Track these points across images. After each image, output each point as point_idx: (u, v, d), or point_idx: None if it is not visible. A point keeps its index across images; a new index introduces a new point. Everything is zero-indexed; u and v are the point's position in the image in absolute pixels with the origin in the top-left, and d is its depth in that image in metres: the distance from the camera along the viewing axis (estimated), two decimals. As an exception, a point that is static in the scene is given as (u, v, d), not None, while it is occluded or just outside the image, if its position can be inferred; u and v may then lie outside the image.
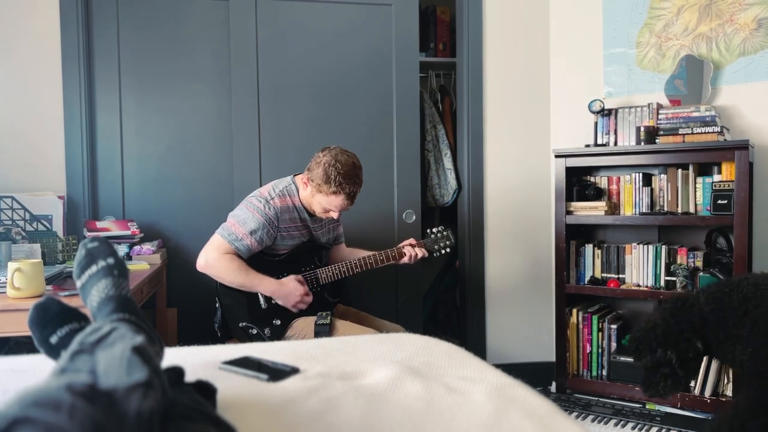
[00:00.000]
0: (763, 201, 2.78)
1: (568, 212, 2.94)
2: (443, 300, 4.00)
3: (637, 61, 3.08)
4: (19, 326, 1.89)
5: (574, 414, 2.77)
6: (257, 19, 3.04)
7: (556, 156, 2.96)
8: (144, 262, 2.61)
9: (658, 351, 2.06)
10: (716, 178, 2.71)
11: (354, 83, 3.16)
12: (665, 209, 2.84)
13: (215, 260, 2.24)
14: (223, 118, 3.06)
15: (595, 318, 2.95)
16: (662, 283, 2.81)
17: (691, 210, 2.78)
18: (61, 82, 2.88)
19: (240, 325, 2.31)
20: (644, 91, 3.06)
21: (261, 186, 2.53)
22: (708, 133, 2.70)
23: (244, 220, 2.26)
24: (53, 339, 1.17)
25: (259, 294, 2.31)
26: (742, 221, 2.54)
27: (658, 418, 2.66)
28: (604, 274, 2.97)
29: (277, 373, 1.26)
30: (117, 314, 1.11)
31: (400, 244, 2.47)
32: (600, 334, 2.94)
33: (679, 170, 2.80)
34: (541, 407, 1.08)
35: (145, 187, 3.00)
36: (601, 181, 3.02)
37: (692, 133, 2.74)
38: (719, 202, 2.61)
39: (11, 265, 1.96)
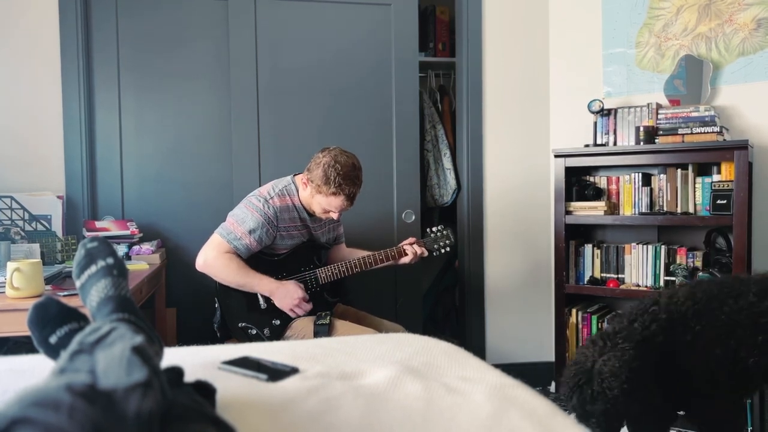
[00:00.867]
0: (763, 201, 2.79)
1: (568, 212, 2.94)
2: (443, 300, 4.00)
3: (636, 61, 3.09)
4: (19, 326, 1.89)
5: (574, 414, 2.77)
6: (256, 19, 3.03)
7: (556, 156, 2.96)
8: (143, 262, 2.61)
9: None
10: (716, 178, 2.71)
11: (353, 83, 3.15)
12: (664, 209, 2.84)
13: (214, 259, 2.24)
14: (222, 117, 3.06)
15: (594, 318, 2.95)
16: (662, 283, 2.81)
17: (691, 210, 2.78)
18: (60, 80, 2.87)
19: (239, 325, 2.31)
20: (644, 91, 3.06)
21: (260, 185, 2.53)
22: (707, 133, 2.70)
23: (243, 219, 2.26)
24: (52, 339, 1.17)
25: (259, 294, 2.31)
26: (741, 221, 2.54)
27: (658, 418, 2.66)
28: (604, 274, 2.97)
29: (276, 373, 1.26)
30: (116, 314, 1.11)
31: (400, 244, 2.47)
32: (599, 334, 2.94)
33: (679, 170, 2.80)
34: (540, 407, 1.08)
35: (144, 187, 3.00)
36: (601, 181, 3.02)
37: (691, 133, 2.74)
38: (718, 202, 2.61)
39: (10, 265, 1.95)
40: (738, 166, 2.54)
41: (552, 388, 3.09)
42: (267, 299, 2.31)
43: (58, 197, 2.78)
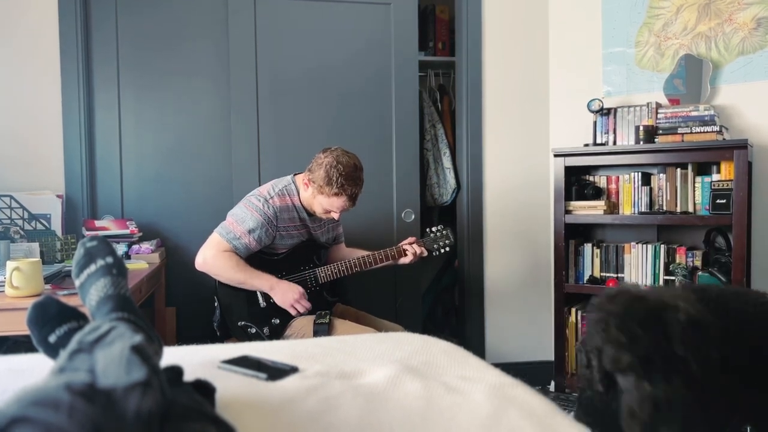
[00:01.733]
0: (762, 200, 2.79)
1: (567, 211, 2.94)
2: (442, 299, 4.01)
3: (636, 61, 3.08)
4: (18, 325, 1.88)
5: (573, 413, 2.77)
6: (256, 17, 3.03)
7: (555, 155, 2.96)
8: (143, 261, 2.61)
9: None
10: (715, 177, 2.71)
11: (353, 82, 3.15)
12: (664, 208, 2.84)
13: (213, 258, 2.24)
14: (222, 116, 3.05)
15: (593, 317, 2.95)
16: (661, 283, 2.81)
17: (690, 209, 2.78)
18: (59, 79, 2.87)
19: (239, 324, 2.31)
20: (643, 90, 3.06)
21: (260, 184, 2.53)
22: (707, 132, 2.70)
23: (243, 218, 2.26)
24: (52, 338, 1.17)
25: (258, 293, 2.31)
26: (740, 220, 2.54)
27: (657, 418, 2.66)
28: (603, 274, 2.97)
29: (276, 372, 1.26)
30: (116, 313, 1.11)
31: (400, 243, 2.47)
32: (599, 333, 2.94)
33: (678, 169, 2.80)
34: (540, 407, 1.08)
35: (143, 186, 3.00)
36: (600, 180, 3.02)
37: (691, 133, 2.74)
38: (718, 201, 2.61)
39: (10, 264, 1.95)
40: (737, 165, 2.54)
41: (551, 387, 3.09)
42: (266, 298, 2.31)
43: (58, 196, 2.78)
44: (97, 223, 2.76)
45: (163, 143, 3.01)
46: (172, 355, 1.34)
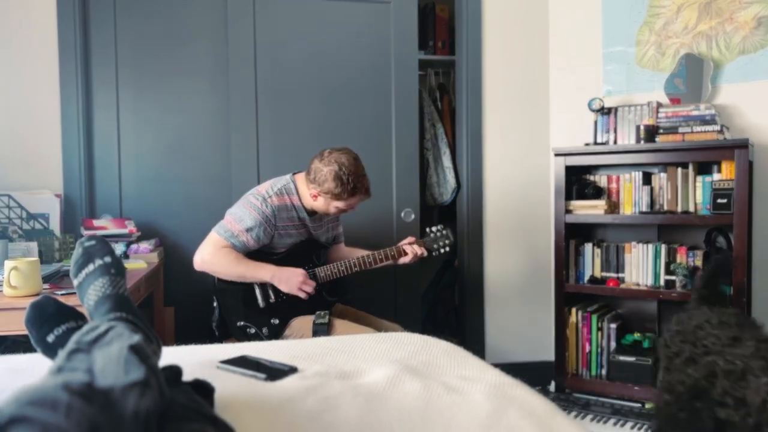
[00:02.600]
0: (763, 200, 2.78)
1: (568, 211, 2.94)
2: (442, 299, 4.00)
3: (636, 60, 3.08)
4: (16, 325, 1.88)
5: (573, 413, 2.77)
6: (255, 17, 3.03)
7: (556, 154, 2.96)
8: (141, 260, 2.60)
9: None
10: (716, 176, 2.71)
11: (352, 81, 3.15)
12: (665, 208, 2.84)
13: (211, 255, 2.24)
14: (221, 115, 3.05)
15: (594, 317, 2.95)
16: (662, 282, 2.80)
17: (691, 209, 2.78)
18: (57, 78, 2.86)
19: (238, 324, 2.31)
20: (644, 89, 3.06)
21: (259, 183, 2.53)
22: (708, 131, 2.70)
23: (241, 217, 2.26)
24: (50, 338, 1.16)
25: (257, 293, 2.31)
26: (741, 220, 2.54)
27: (657, 418, 2.66)
28: (604, 273, 2.97)
29: (275, 372, 1.25)
30: (114, 313, 1.10)
31: (399, 243, 2.47)
32: (599, 333, 2.94)
33: (679, 169, 2.80)
34: (539, 407, 1.08)
35: (142, 186, 2.99)
36: (601, 179, 3.02)
37: (692, 132, 2.73)
38: (719, 200, 2.60)
39: (8, 264, 1.95)
40: (738, 164, 2.54)
41: (551, 387, 3.08)
42: (266, 298, 2.31)
43: (56, 196, 2.77)
44: (96, 223, 2.76)
45: (162, 143, 3.01)
46: (170, 355, 1.33)
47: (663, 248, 2.81)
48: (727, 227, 2.66)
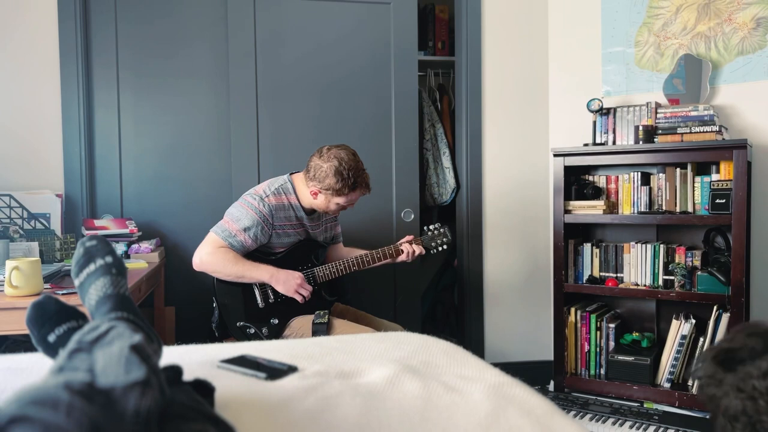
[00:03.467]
0: (762, 200, 2.79)
1: (567, 211, 2.94)
2: (441, 299, 4.01)
3: (635, 60, 3.09)
4: (17, 325, 1.89)
5: (572, 413, 2.78)
6: (255, 17, 3.03)
7: (555, 155, 2.96)
8: (142, 260, 2.61)
9: None
10: (714, 177, 2.71)
11: (352, 82, 3.15)
12: (663, 208, 2.84)
13: (209, 255, 2.24)
14: (221, 116, 3.05)
15: (593, 317, 2.95)
16: (660, 282, 2.81)
17: (690, 209, 2.78)
18: (59, 79, 2.87)
19: (237, 324, 2.31)
20: (643, 90, 3.06)
21: (259, 183, 2.53)
22: (706, 132, 2.70)
23: (239, 217, 2.27)
24: (51, 337, 1.17)
25: (257, 293, 2.31)
26: (740, 220, 2.54)
27: (656, 417, 2.66)
28: (603, 273, 2.97)
29: (274, 371, 1.26)
30: (115, 313, 1.10)
31: (398, 242, 2.48)
32: (598, 333, 2.94)
33: (678, 169, 2.80)
34: (539, 406, 1.08)
35: (143, 186, 3.00)
36: (600, 180, 3.02)
37: (690, 132, 2.74)
38: (717, 201, 2.61)
39: (9, 264, 1.95)
40: (737, 165, 2.54)
41: (551, 386, 3.09)
42: (265, 298, 2.31)
43: (57, 196, 2.78)
44: (97, 223, 2.76)
45: (163, 143, 3.01)
46: (171, 355, 1.34)
47: (661, 248, 2.82)
48: (726, 227, 2.67)
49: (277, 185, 2.36)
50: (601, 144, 3.00)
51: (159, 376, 0.81)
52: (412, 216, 3.22)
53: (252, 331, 2.30)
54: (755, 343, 1.00)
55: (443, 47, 3.78)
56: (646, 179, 2.91)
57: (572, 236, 3.02)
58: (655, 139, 2.81)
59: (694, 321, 2.72)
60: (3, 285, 1.97)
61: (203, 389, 1.02)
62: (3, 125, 2.84)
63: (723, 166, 2.67)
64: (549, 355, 3.14)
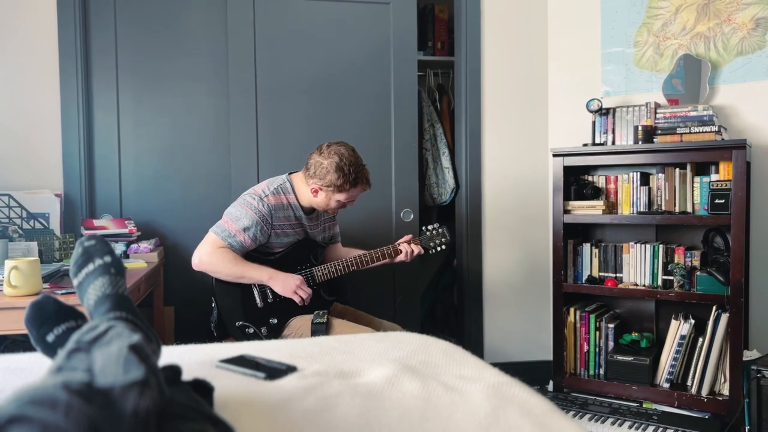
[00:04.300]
0: (761, 200, 2.79)
1: (566, 211, 2.94)
2: (441, 299, 4.01)
3: (635, 61, 3.09)
4: (16, 324, 1.88)
5: (572, 413, 2.78)
6: (255, 18, 3.03)
7: (554, 155, 2.96)
8: (141, 260, 2.61)
9: None
10: (714, 177, 2.71)
11: (352, 82, 3.15)
12: (663, 208, 2.85)
13: (208, 255, 2.24)
14: (220, 117, 3.05)
15: (592, 317, 2.95)
16: (659, 282, 2.81)
17: (689, 209, 2.78)
18: (58, 80, 2.87)
19: (236, 324, 2.31)
20: (642, 90, 3.06)
21: (258, 183, 2.53)
22: (705, 132, 2.70)
23: (238, 217, 2.27)
24: (50, 337, 1.17)
25: (256, 293, 2.31)
26: (739, 220, 2.55)
27: (655, 417, 2.66)
28: (602, 273, 2.97)
29: (274, 371, 1.26)
30: (114, 312, 1.10)
31: (396, 242, 2.48)
32: (597, 333, 2.94)
33: (677, 169, 2.80)
34: (538, 406, 1.08)
35: (142, 186, 3.00)
36: (599, 180, 3.02)
37: (690, 133, 2.74)
38: (717, 201, 2.61)
39: (8, 263, 1.95)
40: (736, 165, 2.54)
41: (550, 386, 3.09)
42: (264, 298, 2.31)
43: (56, 195, 2.77)
44: (96, 222, 2.76)
45: (162, 143, 3.01)
46: (170, 354, 1.33)
47: (661, 248, 2.82)
48: (725, 227, 2.67)
49: (276, 185, 2.36)
50: (600, 144, 3.00)
51: (158, 376, 0.81)
52: (412, 216, 3.22)
53: (251, 330, 2.30)
54: None
55: (443, 47, 3.78)
56: (645, 179, 2.91)
57: (571, 236, 3.02)
58: (655, 140, 2.81)
59: (693, 321, 2.72)
60: (2, 285, 1.97)
61: (202, 389, 1.02)
62: (3, 125, 2.84)
63: (722, 166, 2.67)
64: (548, 355, 3.14)
